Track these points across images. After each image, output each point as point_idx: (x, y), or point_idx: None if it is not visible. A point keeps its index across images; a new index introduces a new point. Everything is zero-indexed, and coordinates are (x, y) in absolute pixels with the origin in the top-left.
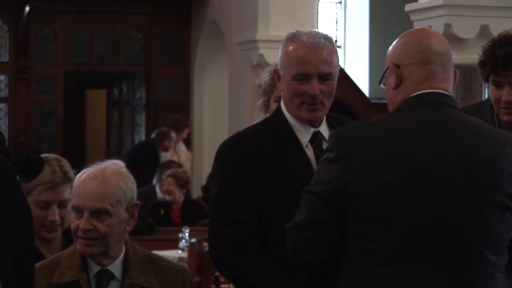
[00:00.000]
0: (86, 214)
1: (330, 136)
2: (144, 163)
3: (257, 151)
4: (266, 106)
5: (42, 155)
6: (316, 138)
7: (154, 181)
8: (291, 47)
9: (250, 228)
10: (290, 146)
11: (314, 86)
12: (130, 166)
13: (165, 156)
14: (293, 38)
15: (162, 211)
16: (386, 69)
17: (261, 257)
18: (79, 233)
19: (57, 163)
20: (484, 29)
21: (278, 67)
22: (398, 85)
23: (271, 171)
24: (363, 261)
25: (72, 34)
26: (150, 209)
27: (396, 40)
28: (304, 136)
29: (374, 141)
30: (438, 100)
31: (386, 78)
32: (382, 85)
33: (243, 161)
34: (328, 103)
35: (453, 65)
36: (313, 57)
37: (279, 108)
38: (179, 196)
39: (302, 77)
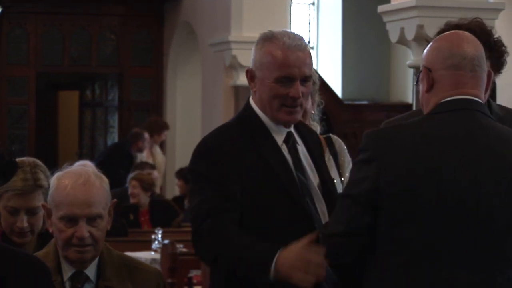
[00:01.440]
0: (82, 222)
1: (364, 137)
2: (117, 164)
3: (236, 145)
4: None
5: (19, 159)
6: (290, 138)
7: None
8: (271, 48)
9: (234, 216)
10: (267, 145)
11: (298, 89)
12: (104, 167)
13: (141, 158)
14: (272, 39)
15: (131, 216)
16: (420, 72)
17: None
18: (75, 241)
19: (30, 169)
20: None
21: (253, 67)
22: (430, 88)
23: (251, 167)
24: (390, 261)
25: (44, 35)
26: (120, 214)
27: (430, 43)
28: (278, 136)
29: (407, 143)
30: (468, 107)
31: (420, 80)
32: (418, 86)
33: (223, 153)
34: (305, 104)
35: (486, 69)
36: (297, 60)
37: (249, 107)
38: (144, 199)
39: (286, 80)
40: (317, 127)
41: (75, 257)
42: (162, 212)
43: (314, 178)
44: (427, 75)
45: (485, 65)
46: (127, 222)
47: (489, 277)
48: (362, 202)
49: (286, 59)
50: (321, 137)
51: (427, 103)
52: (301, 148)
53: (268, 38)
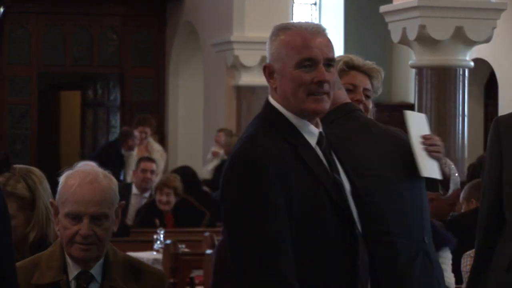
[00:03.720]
0: (86, 220)
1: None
2: (108, 163)
3: (275, 152)
4: None
5: (17, 165)
6: (322, 140)
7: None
8: (288, 35)
9: (290, 257)
10: (303, 147)
11: (323, 71)
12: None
13: (133, 156)
14: (287, 26)
15: (157, 221)
16: None
17: None
18: (78, 239)
19: (13, 176)
20: (458, 31)
21: (269, 62)
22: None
23: (293, 172)
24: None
25: (45, 36)
26: (141, 220)
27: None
28: (311, 138)
29: None
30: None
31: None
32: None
33: (267, 169)
34: (331, 95)
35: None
36: (316, 41)
37: (270, 108)
38: (173, 203)
39: (308, 63)
40: None
41: (78, 255)
42: (187, 214)
43: (345, 182)
44: None
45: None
46: (152, 227)
47: None
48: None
49: (306, 41)
50: None
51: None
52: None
53: (283, 27)
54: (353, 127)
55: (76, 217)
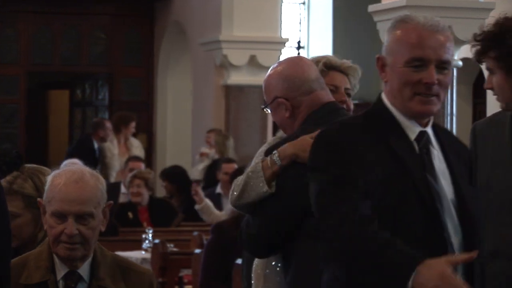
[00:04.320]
0: (71, 219)
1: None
2: (80, 158)
3: (361, 140)
4: None
5: (29, 165)
6: (422, 137)
7: None
8: (404, 29)
9: (374, 215)
10: (397, 137)
11: (432, 74)
12: None
13: (108, 148)
14: (406, 19)
15: (130, 214)
16: (272, 101)
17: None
18: (64, 238)
19: (20, 174)
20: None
21: (384, 54)
22: (291, 114)
23: (378, 162)
24: None
25: (34, 35)
26: (117, 213)
27: (272, 75)
28: (410, 133)
29: None
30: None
31: (274, 108)
32: (267, 111)
33: (349, 149)
34: (443, 97)
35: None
36: (432, 40)
37: (379, 101)
38: (145, 197)
39: (418, 63)
40: None
41: (64, 254)
42: (162, 211)
43: (448, 188)
44: (285, 104)
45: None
46: (127, 221)
47: None
48: None
49: (420, 39)
50: None
51: (291, 125)
52: (437, 153)
53: (402, 20)
54: None
55: (61, 216)
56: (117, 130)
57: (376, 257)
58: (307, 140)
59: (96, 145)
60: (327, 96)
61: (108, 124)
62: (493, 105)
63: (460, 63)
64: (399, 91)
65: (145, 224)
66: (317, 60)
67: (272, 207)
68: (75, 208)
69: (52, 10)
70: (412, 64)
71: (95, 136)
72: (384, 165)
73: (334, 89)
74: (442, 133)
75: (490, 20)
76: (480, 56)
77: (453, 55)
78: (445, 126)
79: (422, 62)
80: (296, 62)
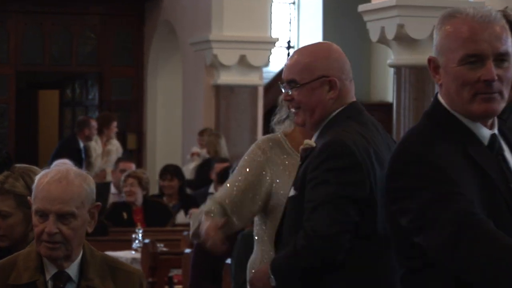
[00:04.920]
0: (52, 218)
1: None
2: (66, 157)
3: (447, 153)
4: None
5: (19, 165)
6: (495, 143)
7: None
8: (453, 24)
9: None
10: (479, 151)
11: (491, 69)
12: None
13: (94, 147)
14: (454, 13)
15: (125, 215)
16: (316, 79)
17: None
18: (44, 236)
19: (11, 174)
20: None
21: (435, 54)
22: (336, 95)
23: (468, 178)
24: None
25: (24, 34)
26: (111, 212)
27: (318, 52)
28: (482, 138)
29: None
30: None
31: (313, 88)
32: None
33: (449, 167)
34: (506, 94)
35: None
36: (485, 32)
37: (438, 105)
38: (140, 198)
39: (474, 59)
40: None
41: (45, 253)
42: (157, 212)
43: None
44: (333, 83)
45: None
46: (121, 222)
47: None
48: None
49: (473, 33)
50: None
51: (325, 107)
52: (509, 156)
53: (449, 14)
54: None
55: (43, 215)
56: (99, 131)
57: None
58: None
59: (81, 144)
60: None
61: (94, 123)
62: None
63: None
64: (457, 94)
65: (139, 224)
66: None
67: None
68: (55, 207)
69: (42, 10)
70: (467, 61)
71: (80, 135)
72: (471, 178)
73: None
74: (505, 130)
75: None
76: None
77: (508, 45)
78: None
79: (477, 58)
80: (337, 47)
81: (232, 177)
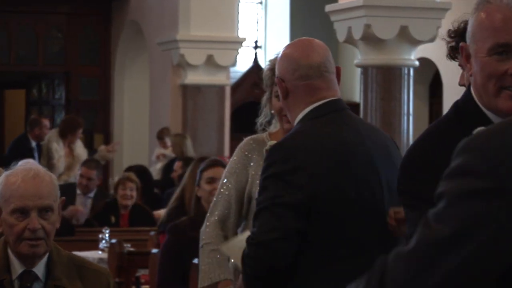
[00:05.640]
0: (34, 213)
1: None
2: (17, 159)
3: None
4: (270, 101)
5: None
6: None
7: None
8: (486, 11)
9: None
10: None
11: None
12: (4, 163)
13: (56, 149)
14: (488, 0)
15: (113, 218)
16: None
17: None
18: (27, 234)
19: None
20: (403, 30)
21: (468, 41)
22: (286, 96)
23: None
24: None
25: None
26: (100, 213)
27: (282, 50)
28: None
29: (320, 149)
30: (338, 107)
31: (278, 88)
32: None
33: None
34: None
35: (333, 70)
36: None
37: (469, 97)
38: (135, 198)
39: (502, 49)
40: None
41: (28, 251)
42: (141, 217)
43: None
44: (280, 84)
45: (332, 66)
46: (109, 225)
47: None
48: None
49: (505, 22)
50: None
51: (288, 108)
52: None
53: (482, 2)
54: None
55: (24, 212)
56: (63, 135)
57: None
58: None
59: (33, 143)
60: (329, 90)
61: (46, 122)
62: (448, 104)
63: (417, 63)
64: (483, 86)
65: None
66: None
67: None
68: (36, 202)
69: (8, 9)
70: (496, 51)
71: (31, 134)
72: None
73: None
74: None
75: (446, 20)
76: (455, 51)
77: None
78: (402, 125)
79: (507, 49)
80: (301, 42)
81: (221, 192)
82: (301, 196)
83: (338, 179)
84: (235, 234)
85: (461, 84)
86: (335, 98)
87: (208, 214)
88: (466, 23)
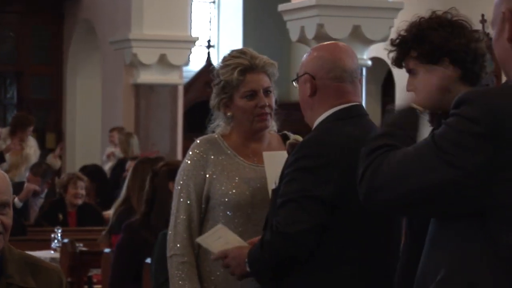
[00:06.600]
0: None
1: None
2: None
3: None
4: (226, 104)
5: None
6: None
7: None
8: None
9: None
10: None
11: None
12: None
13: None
14: None
15: (60, 216)
16: (301, 75)
17: None
18: None
19: None
20: (356, 30)
21: None
22: (313, 94)
23: None
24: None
25: None
26: (47, 212)
27: (312, 51)
28: None
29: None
30: (362, 112)
31: (302, 83)
32: (295, 84)
33: None
34: None
35: (359, 76)
36: None
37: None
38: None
39: None
40: (274, 126)
41: None
42: (90, 216)
43: None
44: (310, 81)
45: (359, 74)
46: (55, 223)
47: None
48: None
49: None
50: (278, 135)
51: (311, 106)
52: None
53: None
54: None
55: None
56: (12, 132)
57: None
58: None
59: None
60: (356, 95)
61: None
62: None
63: (369, 62)
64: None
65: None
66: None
67: None
68: None
69: None
70: None
71: None
72: None
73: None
74: None
75: (399, 20)
76: (400, 59)
77: None
78: None
79: None
80: (337, 46)
81: (181, 197)
82: (329, 192)
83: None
84: (200, 235)
85: (409, 90)
86: (359, 103)
87: (171, 220)
88: (407, 29)
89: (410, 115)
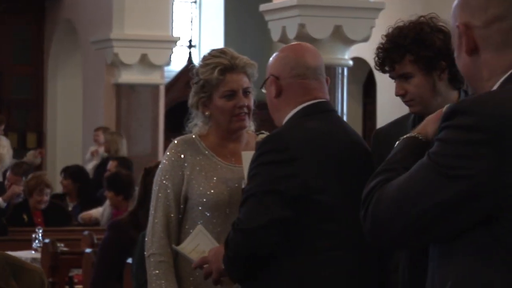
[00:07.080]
0: None
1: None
2: None
3: None
4: (205, 103)
5: None
6: None
7: None
8: None
9: None
10: None
11: None
12: None
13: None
14: None
15: (25, 217)
16: (267, 78)
17: None
18: None
19: None
20: (337, 30)
21: None
22: (278, 94)
23: None
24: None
25: None
26: (12, 214)
27: (277, 52)
28: None
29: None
30: (329, 108)
31: (268, 86)
32: (263, 90)
33: None
34: None
35: (325, 76)
36: None
37: None
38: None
39: None
40: (251, 126)
41: None
42: (56, 215)
43: None
44: (275, 82)
45: (324, 73)
46: (21, 224)
47: None
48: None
49: None
50: (256, 134)
51: (277, 107)
52: None
53: None
54: None
55: None
56: None
57: None
58: None
59: None
60: (322, 92)
61: None
62: (381, 104)
63: (351, 62)
64: None
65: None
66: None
67: None
68: None
69: None
70: None
71: None
72: None
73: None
74: None
75: (380, 20)
76: (393, 63)
77: None
78: None
79: None
80: (300, 45)
81: (159, 197)
82: (291, 185)
83: (328, 172)
84: (178, 234)
85: (399, 94)
86: (326, 100)
87: (149, 220)
88: (401, 36)
89: (410, 145)
